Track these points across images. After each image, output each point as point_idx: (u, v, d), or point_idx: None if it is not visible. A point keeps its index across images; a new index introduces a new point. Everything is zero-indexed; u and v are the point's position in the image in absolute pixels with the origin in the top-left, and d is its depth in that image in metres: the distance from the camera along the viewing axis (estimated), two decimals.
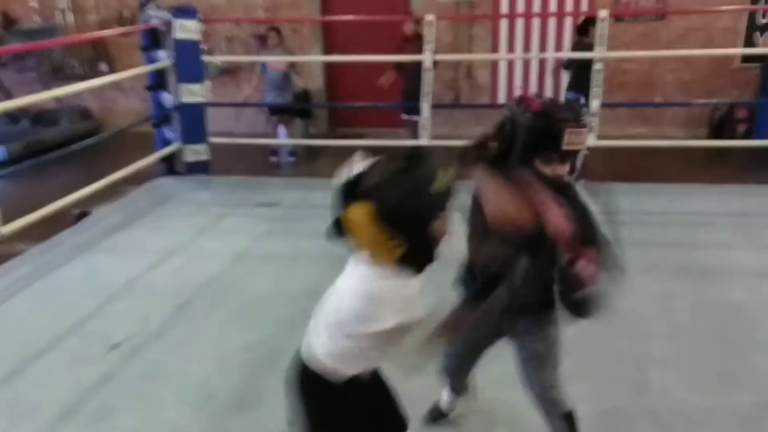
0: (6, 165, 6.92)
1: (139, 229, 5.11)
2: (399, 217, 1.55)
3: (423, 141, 5.95)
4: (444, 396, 2.72)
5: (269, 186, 6.12)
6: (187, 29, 5.96)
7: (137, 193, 5.87)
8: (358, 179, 1.60)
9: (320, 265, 4.26)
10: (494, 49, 8.37)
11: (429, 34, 5.80)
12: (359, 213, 1.55)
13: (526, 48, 8.24)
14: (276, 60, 6.96)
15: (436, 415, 2.73)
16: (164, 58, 6.03)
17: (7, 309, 3.86)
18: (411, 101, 6.45)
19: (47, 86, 7.60)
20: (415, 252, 1.60)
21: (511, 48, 8.31)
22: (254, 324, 3.57)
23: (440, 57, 6.34)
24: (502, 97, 8.36)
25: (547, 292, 2.10)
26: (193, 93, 6.08)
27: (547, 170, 1.98)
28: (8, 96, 7.93)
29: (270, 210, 5.49)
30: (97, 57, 9.17)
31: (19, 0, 9.25)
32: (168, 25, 5.91)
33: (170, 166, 6.31)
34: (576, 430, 2.36)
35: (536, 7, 8.06)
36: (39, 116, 8.78)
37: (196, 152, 6.25)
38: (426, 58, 5.84)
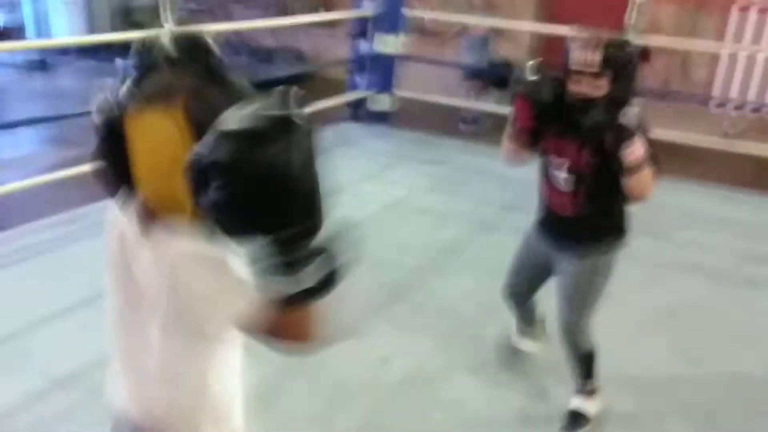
0: None
1: None
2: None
3: None
4: (514, 334, 2.83)
5: (444, 146, 6.14)
6: None
7: (322, 133, 6.17)
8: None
9: (464, 226, 4.28)
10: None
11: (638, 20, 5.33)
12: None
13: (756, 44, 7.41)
14: (476, 23, 6.86)
15: (508, 352, 2.83)
16: (369, 7, 6.23)
17: None
18: None
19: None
20: None
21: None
22: (387, 268, 3.67)
23: (653, 43, 5.88)
24: (716, 94, 7.61)
25: (599, 226, 2.25)
26: (386, 43, 6.23)
27: (572, 87, 2.11)
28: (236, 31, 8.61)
29: (435, 167, 5.54)
30: (318, 2, 9.69)
31: None
32: None
33: (355, 112, 6.57)
34: (588, 370, 2.44)
35: None
36: (256, 52, 9.47)
37: (380, 102, 6.44)
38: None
